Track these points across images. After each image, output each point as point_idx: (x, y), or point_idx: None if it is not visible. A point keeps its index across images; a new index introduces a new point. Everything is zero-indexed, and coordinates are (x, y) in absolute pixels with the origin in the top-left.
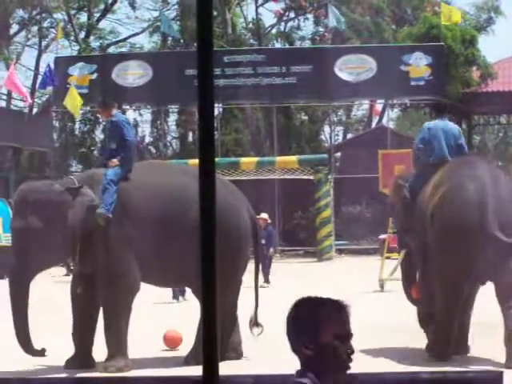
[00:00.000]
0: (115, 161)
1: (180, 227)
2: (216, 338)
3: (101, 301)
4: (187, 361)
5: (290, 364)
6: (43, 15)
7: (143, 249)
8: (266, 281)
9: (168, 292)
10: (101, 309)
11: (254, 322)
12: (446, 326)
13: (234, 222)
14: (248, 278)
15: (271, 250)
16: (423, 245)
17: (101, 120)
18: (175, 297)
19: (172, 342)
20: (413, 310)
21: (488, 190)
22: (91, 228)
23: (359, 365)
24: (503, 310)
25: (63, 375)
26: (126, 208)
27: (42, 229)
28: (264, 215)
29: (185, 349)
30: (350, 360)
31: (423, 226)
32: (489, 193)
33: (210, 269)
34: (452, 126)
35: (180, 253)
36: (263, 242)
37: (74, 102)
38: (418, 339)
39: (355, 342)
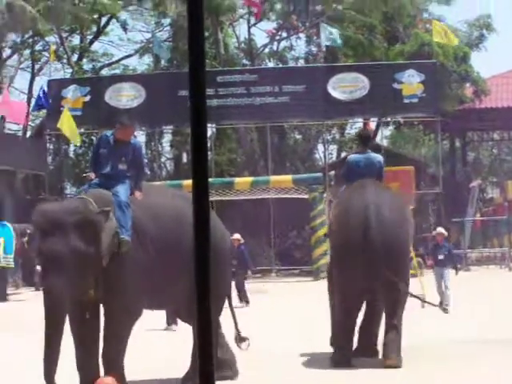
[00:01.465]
0: (138, 194)
1: (177, 249)
2: (212, 356)
3: (110, 326)
4: (184, 383)
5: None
6: (35, 38)
7: (150, 274)
8: (242, 301)
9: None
10: (103, 333)
11: (239, 338)
12: (339, 334)
13: (221, 242)
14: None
15: (249, 271)
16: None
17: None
18: (169, 323)
19: None
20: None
21: (371, 210)
22: (114, 253)
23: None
24: (386, 325)
25: None
26: (137, 232)
27: (83, 251)
28: (237, 236)
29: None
30: None
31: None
32: (371, 212)
33: (205, 287)
34: (374, 158)
35: (177, 274)
36: (234, 262)
37: (71, 128)
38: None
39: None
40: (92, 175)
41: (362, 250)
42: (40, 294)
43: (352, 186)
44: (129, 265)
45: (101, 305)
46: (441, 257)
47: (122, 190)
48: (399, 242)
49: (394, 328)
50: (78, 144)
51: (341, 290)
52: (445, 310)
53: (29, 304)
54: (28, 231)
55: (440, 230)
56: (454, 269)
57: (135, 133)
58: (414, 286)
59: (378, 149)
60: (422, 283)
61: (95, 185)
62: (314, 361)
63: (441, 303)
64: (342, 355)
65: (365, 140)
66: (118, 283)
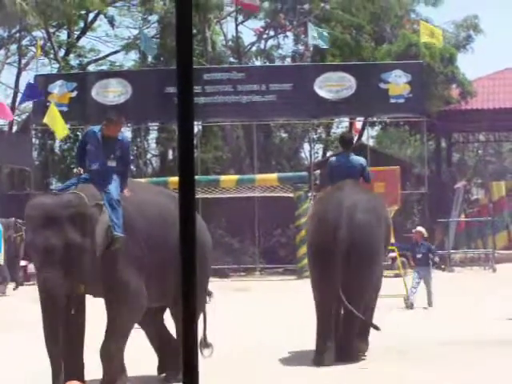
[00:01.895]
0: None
1: (164, 245)
2: (196, 347)
3: (110, 323)
4: (168, 379)
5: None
6: (22, 33)
7: (144, 268)
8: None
9: None
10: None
11: (204, 344)
12: (319, 332)
13: (202, 239)
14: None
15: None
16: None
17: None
18: None
19: None
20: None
21: (343, 211)
22: (107, 250)
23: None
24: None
25: None
26: (130, 228)
27: (78, 244)
28: None
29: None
30: None
31: None
32: (343, 213)
33: (190, 283)
34: (356, 161)
35: (163, 270)
36: None
37: (58, 124)
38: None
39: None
40: (80, 170)
41: (332, 251)
42: (22, 290)
43: (330, 188)
44: (126, 261)
45: (82, 300)
46: (419, 256)
47: (113, 188)
48: (370, 244)
49: (349, 332)
50: (63, 137)
51: (315, 288)
52: (408, 306)
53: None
54: (18, 225)
55: (419, 228)
56: (435, 267)
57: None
58: (399, 285)
59: (362, 148)
60: (404, 283)
61: (84, 180)
62: (293, 358)
63: (407, 298)
64: (318, 353)
65: (347, 142)
66: (118, 280)
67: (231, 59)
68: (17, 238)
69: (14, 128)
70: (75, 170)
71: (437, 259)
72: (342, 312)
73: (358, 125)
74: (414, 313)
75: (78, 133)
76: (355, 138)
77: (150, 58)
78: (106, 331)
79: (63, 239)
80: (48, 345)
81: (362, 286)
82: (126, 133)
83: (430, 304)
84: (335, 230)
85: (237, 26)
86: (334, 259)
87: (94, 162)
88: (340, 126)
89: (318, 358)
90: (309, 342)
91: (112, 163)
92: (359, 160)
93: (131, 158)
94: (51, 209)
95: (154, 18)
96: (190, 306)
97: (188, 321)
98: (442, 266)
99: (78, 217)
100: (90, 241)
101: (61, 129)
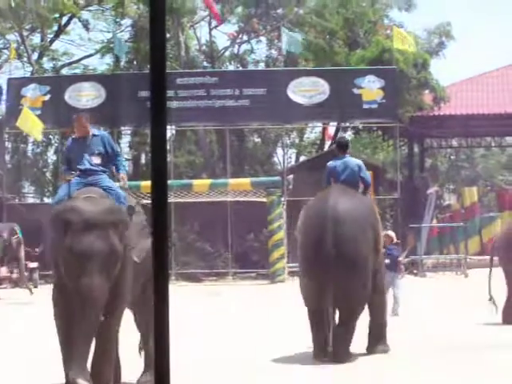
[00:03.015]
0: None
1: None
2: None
3: (111, 327)
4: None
5: None
6: None
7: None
8: None
9: None
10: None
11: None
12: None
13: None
14: None
15: None
16: None
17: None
18: None
19: None
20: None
21: (328, 224)
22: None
23: None
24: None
25: None
26: None
27: (119, 251)
28: None
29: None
30: None
31: None
32: (327, 227)
33: (163, 284)
34: (352, 162)
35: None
36: None
37: (32, 125)
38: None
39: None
40: (69, 176)
41: (319, 255)
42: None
43: (318, 195)
44: (130, 260)
45: None
46: (387, 261)
47: (111, 184)
48: (356, 249)
49: (344, 331)
50: (39, 139)
51: (303, 292)
52: (394, 312)
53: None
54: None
55: (388, 232)
56: (407, 273)
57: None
58: None
59: (335, 154)
60: None
61: (78, 184)
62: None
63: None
64: (317, 349)
65: (343, 146)
66: (124, 280)
67: (204, 64)
68: (12, 241)
69: None
70: (67, 177)
71: (402, 267)
72: (337, 319)
73: (331, 130)
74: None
75: (50, 136)
76: (328, 144)
77: (123, 62)
78: (108, 337)
79: (108, 246)
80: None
81: (356, 294)
82: None
83: (394, 312)
84: (320, 245)
85: (210, 30)
86: (323, 270)
87: (80, 162)
88: (313, 131)
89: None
90: (281, 345)
91: (97, 160)
92: (356, 162)
93: (118, 150)
94: (95, 214)
95: (127, 21)
96: (163, 313)
97: (159, 327)
98: (414, 271)
99: (119, 223)
100: (124, 246)
101: (35, 129)
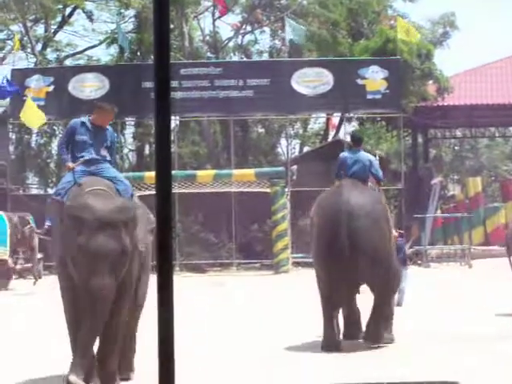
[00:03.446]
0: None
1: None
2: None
3: (119, 321)
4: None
5: None
6: None
7: None
8: None
9: None
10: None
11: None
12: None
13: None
14: None
15: None
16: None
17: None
18: None
19: None
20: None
21: (343, 199)
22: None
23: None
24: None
25: None
26: None
27: (129, 251)
28: None
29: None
30: None
31: None
32: (344, 210)
33: (168, 276)
34: (364, 157)
35: None
36: None
37: (33, 115)
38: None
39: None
40: (71, 164)
41: (334, 248)
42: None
43: (333, 186)
44: (136, 257)
45: None
46: None
47: (116, 174)
48: (372, 239)
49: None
50: (38, 126)
51: (319, 282)
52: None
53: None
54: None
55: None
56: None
57: None
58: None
59: (340, 144)
60: None
61: (83, 172)
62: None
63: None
64: (327, 342)
65: (357, 140)
66: (131, 276)
67: (208, 54)
68: (25, 231)
69: None
70: (69, 165)
71: (407, 258)
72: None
73: (335, 120)
74: None
75: (55, 127)
76: (332, 134)
77: (127, 53)
78: (111, 329)
79: (120, 246)
80: (85, 345)
81: (385, 282)
82: None
83: (399, 303)
84: (336, 238)
85: (214, 20)
86: (338, 263)
87: (86, 152)
88: (317, 121)
89: (327, 343)
90: (286, 335)
91: (104, 152)
92: (368, 157)
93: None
94: (108, 213)
95: (131, 12)
96: (167, 307)
97: (165, 322)
98: (419, 262)
99: (130, 222)
100: (133, 245)
101: (35, 119)
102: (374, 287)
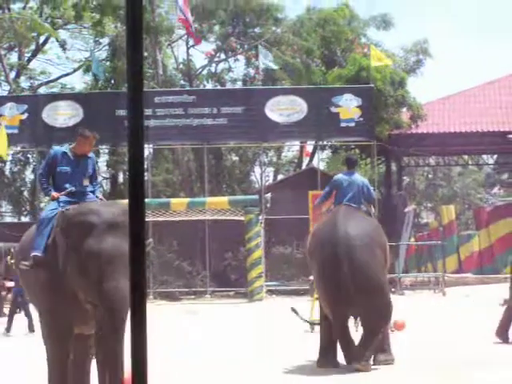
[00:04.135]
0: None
1: None
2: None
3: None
4: None
5: None
6: None
7: None
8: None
9: None
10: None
11: None
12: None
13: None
14: None
15: None
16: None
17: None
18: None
19: None
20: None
21: (340, 231)
22: None
23: None
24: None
25: None
26: None
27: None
28: None
29: None
30: None
31: None
32: (340, 232)
33: (141, 305)
34: (358, 180)
35: None
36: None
37: (4, 144)
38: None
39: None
40: (55, 194)
41: (335, 280)
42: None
43: (330, 215)
44: None
45: None
46: None
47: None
48: (370, 271)
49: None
50: (5, 157)
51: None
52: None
53: None
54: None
55: None
56: None
57: None
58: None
59: (314, 172)
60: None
61: (66, 202)
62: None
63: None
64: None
65: (352, 163)
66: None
67: (182, 82)
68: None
69: None
70: (53, 194)
71: None
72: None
73: (309, 148)
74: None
75: (29, 155)
76: (306, 162)
77: (101, 81)
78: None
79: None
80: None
81: (380, 313)
82: None
83: None
84: (336, 271)
85: (188, 49)
86: (339, 294)
87: (69, 183)
88: (291, 149)
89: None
90: (260, 362)
91: (86, 182)
92: (362, 180)
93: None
94: (115, 215)
95: (105, 40)
96: (141, 328)
97: (137, 347)
98: (392, 290)
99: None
100: None
101: (5, 148)
102: (368, 318)
